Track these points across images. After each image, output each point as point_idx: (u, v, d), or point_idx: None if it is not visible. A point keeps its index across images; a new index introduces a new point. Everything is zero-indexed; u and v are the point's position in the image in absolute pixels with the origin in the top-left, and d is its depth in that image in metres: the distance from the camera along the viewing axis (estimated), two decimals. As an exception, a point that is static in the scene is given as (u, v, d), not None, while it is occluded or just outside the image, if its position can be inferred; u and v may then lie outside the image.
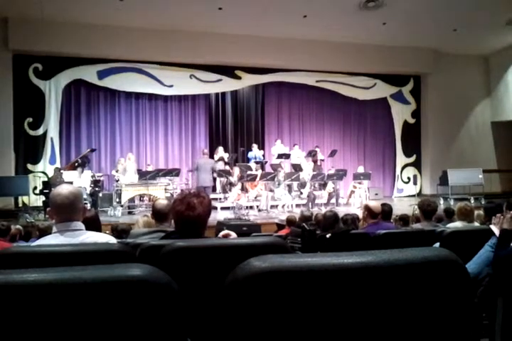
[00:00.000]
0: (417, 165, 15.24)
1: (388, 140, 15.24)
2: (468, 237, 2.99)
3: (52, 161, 11.84)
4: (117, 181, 11.08)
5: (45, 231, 4.64)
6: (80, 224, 2.27)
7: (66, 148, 12.31)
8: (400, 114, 15.14)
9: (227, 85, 13.47)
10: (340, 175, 12.25)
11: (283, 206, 11.64)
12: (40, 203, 10.58)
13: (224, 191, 11.99)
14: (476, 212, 5.02)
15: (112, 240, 2.34)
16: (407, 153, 15.18)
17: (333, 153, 13.48)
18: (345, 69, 14.00)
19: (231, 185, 11.70)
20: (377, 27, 12.33)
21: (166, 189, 11.09)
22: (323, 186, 12.46)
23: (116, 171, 11.75)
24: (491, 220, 2.81)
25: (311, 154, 13.34)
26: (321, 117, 14.87)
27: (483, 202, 11.34)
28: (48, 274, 0.82)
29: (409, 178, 14.84)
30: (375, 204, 4.78)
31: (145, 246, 2.00)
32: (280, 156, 12.63)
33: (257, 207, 11.43)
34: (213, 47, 12.19)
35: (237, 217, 9.86)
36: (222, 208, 11.50)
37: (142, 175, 11.07)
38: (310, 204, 11.75)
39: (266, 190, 11.75)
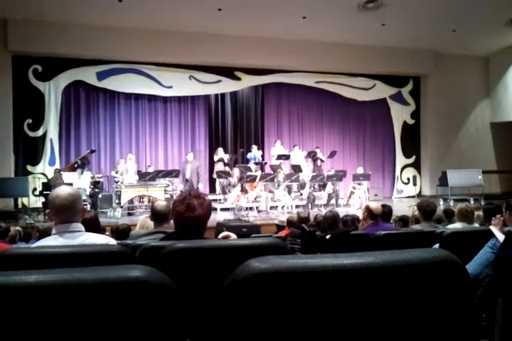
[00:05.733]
0: (416, 166, 15.23)
1: (388, 141, 15.23)
2: (468, 238, 2.99)
3: (51, 162, 11.83)
4: (117, 182, 11.07)
5: (45, 233, 4.62)
6: (80, 226, 2.26)
7: (66, 150, 12.30)
8: (400, 115, 15.14)
9: (226, 86, 13.46)
10: (339, 176, 12.25)
11: (282, 207, 11.64)
12: (39, 204, 10.58)
13: (223, 192, 11.99)
14: (475, 213, 5.01)
15: (112, 241, 2.34)
16: (406, 154, 15.17)
17: (332, 154, 13.48)
18: (345, 70, 14.00)
19: (230, 185, 11.71)
20: (376, 28, 12.33)
21: (165, 190, 11.08)
22: (323, 187, 12.46)
23: (116, 172, 11.76)
24: (491, 221, 2.82)
25: (311, 155, 13.34)
26: (320, 118, 14.85)
27: (482, 203, 11.34)
28: (48, 276, 0.82)
29: (408, 179, 14.83)
30: (375, 206, 4.78)
31: (145, 247, 1.99)
32: (280, 157, 12.63)
33: (257, 208, 11.43)
34: (213, 48, 12.18)
35: (237, 218, 9.86)
36: (222, 209, 11.49)
37: (142, 176, 11.07)
38: (310, 205, 11.75)
39: (265, 191, 11.76)
